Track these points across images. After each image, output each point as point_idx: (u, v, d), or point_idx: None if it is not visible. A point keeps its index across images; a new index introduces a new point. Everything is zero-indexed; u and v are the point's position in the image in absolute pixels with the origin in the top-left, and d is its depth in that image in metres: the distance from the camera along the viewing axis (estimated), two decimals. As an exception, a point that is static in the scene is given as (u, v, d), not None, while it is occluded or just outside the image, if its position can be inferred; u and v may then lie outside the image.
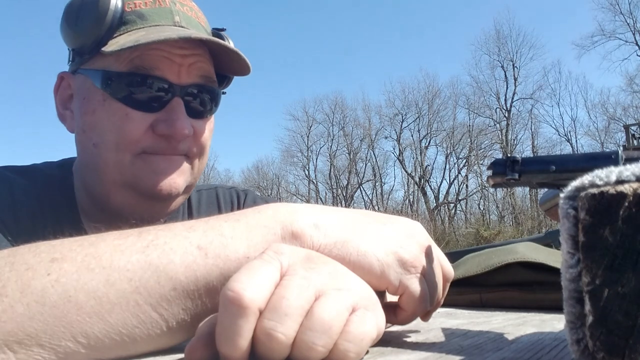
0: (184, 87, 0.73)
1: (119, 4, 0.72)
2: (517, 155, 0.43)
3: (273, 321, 0.32)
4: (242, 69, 0.79)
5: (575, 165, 0.40)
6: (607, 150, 0.40)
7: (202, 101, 0.77)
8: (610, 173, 0.27)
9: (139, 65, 0.71)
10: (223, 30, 0.87)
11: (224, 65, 0.79)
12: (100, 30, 0.71)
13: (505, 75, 26.31)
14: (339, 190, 28.70)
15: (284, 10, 43.30)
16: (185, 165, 0.76)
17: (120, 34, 0.71)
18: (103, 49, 0.70)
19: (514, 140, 26.04)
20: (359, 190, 28.44)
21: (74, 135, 0.77)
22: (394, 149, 27.94)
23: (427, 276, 0.45)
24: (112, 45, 0.69)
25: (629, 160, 0.37)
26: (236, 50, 0.74)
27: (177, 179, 0.74)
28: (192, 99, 0.75)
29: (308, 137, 29.66)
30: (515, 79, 26.07)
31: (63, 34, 0.75)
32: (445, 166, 26.99)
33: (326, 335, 0.33)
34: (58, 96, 0.80)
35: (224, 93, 0.87)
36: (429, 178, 27.04)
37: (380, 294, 0.42)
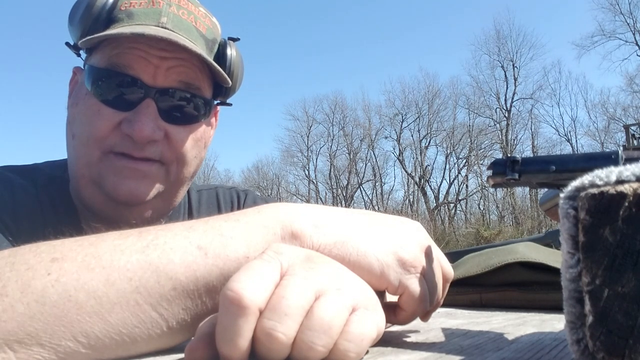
0: (159, 89, 0.71)
1: (110, 1, 0.73)
2: (517, 155, 0.43)
3: (273, 321, 0.32)
4: (222, 80, 0.77)
5: (575, 165, 0.40)
6: (607, 150, 0.40)
7: (181, 107, 0.74)
8: (610, 173, 0.27)
9: (115, 62, 0.71)
10: (237, 40, 0.84)
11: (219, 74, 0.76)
12: (86, 25, 0.72)
13: (505, 75, 26.36)
14: (339, 190, 28.72)
15: (284, 10, 43.34)
16: (157, 172, 0.73)
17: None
18: (79, 41, 0.72)
19: (514, 140, 26.08)
20: (359, 190, 28.48)
21: None
22: (394, 149, 28.00)
23: (427, 276, 0.45)
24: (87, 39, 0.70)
25: (629, 160, 0.37)
26: (209, 61, 0.72)
27: (141, 187, 0.72)
28: (168, 102, 0.73)
29: (308, 137, 29.71)
30: (515, 79, 26.12)
31: (68, 30, 0.77)
32: (445, 166, 27.05)
33: (326, 335, 0.33)
34: (69, 89, 0.81)
35: (229, 104, 0.86)
36: (429, 178, 27.07)
37: (380, 294, 0.42)
